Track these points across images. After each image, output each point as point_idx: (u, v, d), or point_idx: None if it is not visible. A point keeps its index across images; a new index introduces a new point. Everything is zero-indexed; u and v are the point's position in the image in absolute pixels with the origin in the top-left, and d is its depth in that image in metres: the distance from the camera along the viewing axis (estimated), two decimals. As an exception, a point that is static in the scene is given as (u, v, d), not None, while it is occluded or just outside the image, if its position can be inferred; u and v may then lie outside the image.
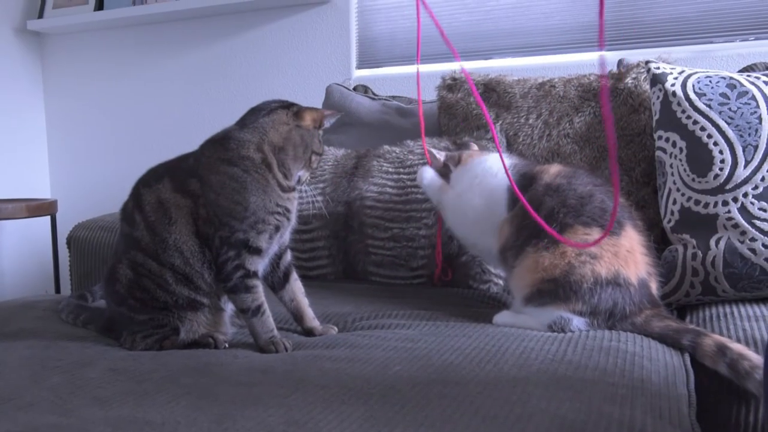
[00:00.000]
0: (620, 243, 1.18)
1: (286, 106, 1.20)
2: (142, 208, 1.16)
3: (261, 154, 1.15)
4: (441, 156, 1.49)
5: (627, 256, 1.18)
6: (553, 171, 1.30)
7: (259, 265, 1.17)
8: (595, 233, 1.18)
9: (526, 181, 1.30)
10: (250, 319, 1.14)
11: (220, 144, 1.17)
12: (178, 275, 1.13)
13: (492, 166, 1.37)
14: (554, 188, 1.25)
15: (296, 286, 1.26)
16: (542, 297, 1.19)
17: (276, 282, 1.24)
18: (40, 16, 2.89)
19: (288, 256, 1.25)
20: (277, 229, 1.17)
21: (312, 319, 1.24)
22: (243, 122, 1.19)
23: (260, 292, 1.15)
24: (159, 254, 1.13)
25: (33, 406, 0.84)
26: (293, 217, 1.21)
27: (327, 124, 1.22)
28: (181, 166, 1.18)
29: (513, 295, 1.27)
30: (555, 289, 1.17)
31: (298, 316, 1.24)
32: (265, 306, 1.15)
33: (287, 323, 1.28)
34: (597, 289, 1.16)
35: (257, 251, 1.15)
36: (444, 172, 1.47)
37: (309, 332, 1.23)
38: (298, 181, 1.21)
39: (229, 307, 1.21)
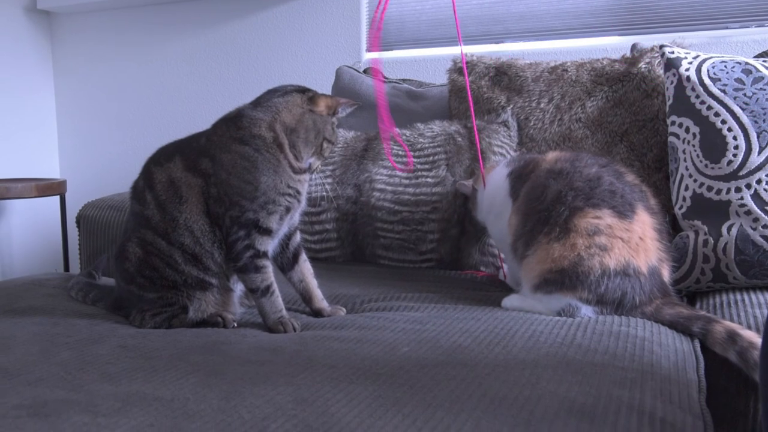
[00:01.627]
0: (632, 228, 1.16)
1: (302, 90, 1.19)
2: (153, 187, 1.15)
3: (273, 133, 1.14)
4: (468, 183, 1.53)
5: (638, 245, 1.16)
6: (551, 157, 1.31)
7: (269, 245, 1.16)
8: (605, 215, 1.17)
9: (526, 171, 1.32)
10: (260, 299, 1.14)
11: (232, 122, 1.16)
12: (187, 255, 1.13)
13: (496, 171, 1.43)
14: (557, 172, 1.24)
15: (305, 267, 1.25)
16: (549, 285, 1.18)
17: (285, 263, 1.24)
18: (51, -5, 2.89)
19: (297, 237, 1.25)
20: (288, 210, 1.17)
21: (321, 300, 1.24)
22: (257, 101, 1.19)
23: (269, 273, 1.15)
24: (169, 233, 1.13)
25: (42, 381, 0.84)
26: (303, 199, 1.21)
27: (342, 112, 1.21)
28: (192, 145, 1.18)
29: (522, 286, 1.26)
30: (562, 279, 1.16)
31: (306, 297, 1.24)
32: (275, 286, 1.15)
33: (296, 304, 1.28)
34: (604, 280, 1.14)
35: (267, 232, 1.14)
36: (474, 195, 1.50)
37: (317, 313, 1.23)
38: (309, 168, 1.20)
39: (238, 288, 1.21)
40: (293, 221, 1.22)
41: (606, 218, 1.16)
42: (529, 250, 1.22)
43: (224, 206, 1.13)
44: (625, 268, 1.15)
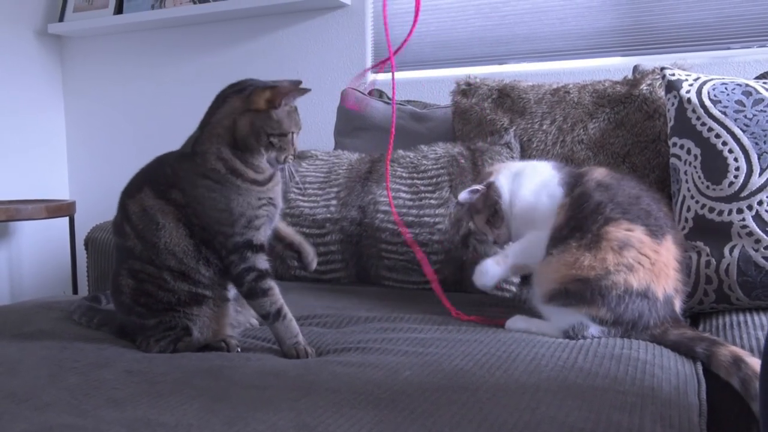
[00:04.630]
0: (660, 251, 1.17)
1: (242, 89, 1.16)
2: (129, 218, 1.17)
3: (221, 161, 1.13)
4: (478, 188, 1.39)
5: (661, 270, 1.17)
6: (602, 170, 1.31)
7: (266, 261, 1.16)
8: (638, 231, 1.17)
9: (574, 180, 1.30)
10: (272, 324, 1.13)
11: (190, 158, 1.16)
12: (175, 273, 1.15)
13: (538, 170, 1.38)
14: (605, 185, 1.25)
15: (281, 225, 1.28)
16: (568, 297, 1.18)
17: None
18: (61, 19, 2.94)
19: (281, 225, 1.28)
20: (268, 218, 1.18)
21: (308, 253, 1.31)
22: (203, 122, 1.18)
23: (277, 294, 1.15)
24: (153, 259, 1.15)
25: (49, 407, 0.85)
26: (279, 201, 1.20)
27: (286, 102, 1.14)
28: (158, 178, 1.18)
29: (535, 290, 1.26)
30: (583, 291, 1.16)
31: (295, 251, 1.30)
32: (285, 309, 1.14)
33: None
34: (625, 299, 1.15)
35: (261, 248, 1.15)
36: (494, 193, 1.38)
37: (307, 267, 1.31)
38: (277, 161, 1.17)
39: (231, 295, 1.21)
40: (273, 223, 1.22)
41: (638, 233, 1.18)
42: (555, 249, 1.22)
43: (210, 234, 1.14)
44: (646, 291, 1.16)
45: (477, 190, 1.37)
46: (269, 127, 1.13)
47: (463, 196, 1.38)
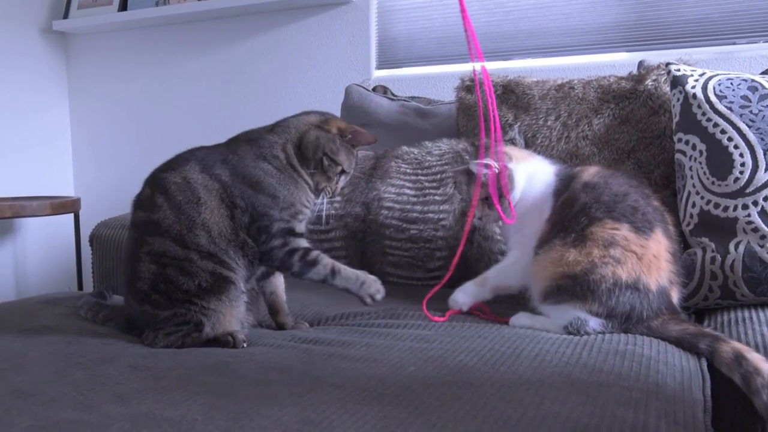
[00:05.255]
0: (648, 245, 1.18)
1: (321, 113, 1.30)
2: (166, 190, 1.18)
3: (285, 153, 1.23)
4: (493, 162, 1.34)
5: (651, 262, 1.17)
6: (592, 170, 1.31)
7: (305, 242, 1.23)
8: (623, 229, 1.18)
9: (567, 181, 1.30)
10: (333, 282, 1.21)
11: (254, 142, 1.24)
12: (203, 253, 1.16)
13: (541, 163, 1.39)
14: (591, 186, 1.25)
15: (279, 280, 1.32)
16: (560, 294, 1.19)
17: (261, 272, 1.29)
18: (66, 16, 2.94)
19: None
20: (308, 219, 1.26)
21: (287, 315, 1.31)
22: (276, 122, 1.29)
23: (325, 258, 1.22)
24: (183, 235, 1.15)
25: (55, 402, 0.86)
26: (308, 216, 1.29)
27: (353, 137, 1.27)
28: (206, 156, 1.23)
29: (532, 290, 1.27)
30: (573, 286, 1.17)
31: (273, 310, 1.31)
32: (337, 265, 1.22)
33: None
34: (615, 291, 1.16)
35: (300, 234, 1.23)
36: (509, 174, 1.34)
37: (281, 326, 1.31)
38: (316, 187, 1.26)
39: (247, 287, 1.23)
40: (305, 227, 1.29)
41: (623, 231, 1.18)
42: (541, 249, 1.24)
43: (252, 217, 1.18)
44: (636, 283, 1.16)
45: (491, 167, 1.32)
46: (328, 148, 1.24)
47: (477, 168, 1.33)
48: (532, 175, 1.34)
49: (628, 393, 0.88)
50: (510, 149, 1.42)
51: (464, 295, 1.35)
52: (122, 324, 1.25)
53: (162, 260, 1.15)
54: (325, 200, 1.28)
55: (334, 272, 1.21)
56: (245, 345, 1.15)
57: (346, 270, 1.22)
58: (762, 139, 1.34)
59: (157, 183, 1.20)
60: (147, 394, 0.88)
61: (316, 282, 1.22)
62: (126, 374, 0.96)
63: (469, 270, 1.60)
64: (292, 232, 1.21)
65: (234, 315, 1.19)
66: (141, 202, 1.21)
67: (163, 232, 1.16)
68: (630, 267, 1.16)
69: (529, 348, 1.07)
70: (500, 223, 1.37)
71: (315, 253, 1.22)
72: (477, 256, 1.59)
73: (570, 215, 1.23)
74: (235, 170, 1.20)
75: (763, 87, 1.41)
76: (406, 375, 0.94)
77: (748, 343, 1.10)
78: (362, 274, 1.22)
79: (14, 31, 2.88)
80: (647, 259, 1.17)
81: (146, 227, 1.18)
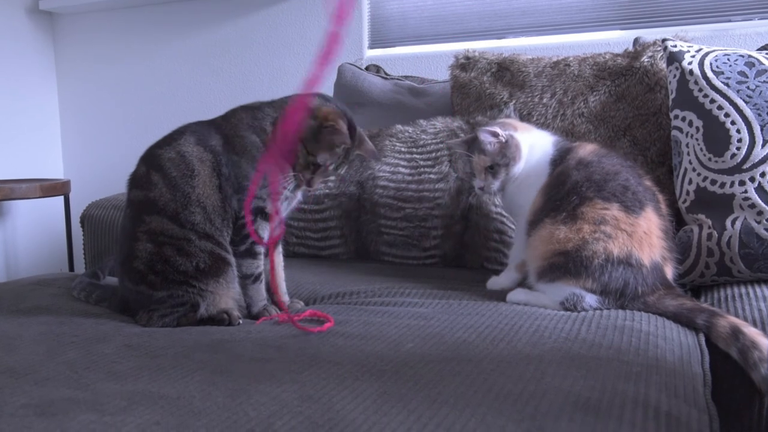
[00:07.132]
0: (638, 223, 1.18)
1: (324, 98, 1.22)
2: (161, 167, 1.16)
3: (272, 127, 1.20)
4: (498, 129, 1.33)
5: (642, 238, 1.17)
6: (589, 148, 1.31)
7: (268, 231, 1.21)
8: (613, 208, 1.18)
9: (564, 153, 1.31)
10: (251, 286, 1.20)
11: (249, 111, 1.22)
12: (200, 233, 1.15)
13: (542, 133, 1.40)
14: (585, 164, 1.25)
15: (278, 258, 1.29)
16: (553, 272, 1.19)
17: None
18: (52, -5, 2.89)
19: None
20: (287, 199, 1.22)
21: (283, 293, 1.29)
22: (280, 98, 1.26)
23: (262, 259, 1.21)
24: (179, 212, 1.14)
25: (49, 380, 0.84)
26: (296, 200, 1.26)
27: (334, 128, 1.15)
28: (202, 128, 1.21)
29: (529, 269, 1.27)
30: (566, 263, 1.17)
31: (272, 287, 1.28)
32: (263, 275, 1.22)
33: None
34: (608, 267, 1.16)
35: (269, 218, 1.20)
36: (512, 143, 1.33)
37: (277, 305, 1.27)
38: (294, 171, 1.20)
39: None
40: (286, 212, 1.26)
41: (613, 210, 1.18)
42: (533, 230, 1.25)
43: (234, 188, 1.17)
44: (628, 258, 1.16)
45: (498, 135, 1.31)
46: (307, 135, 1.16)
47: (485, 136, 1.31)
48: (533, 144, 1.35)
49: (628, 367, 0.88)
50: (512, 121, 1.43)
51: (502, 280, 1.37)
52: (116, 304, 1.24)
53: (159, 239, 1.14)
54: (299, 196, 1.25)
55: (258, 278, 1.21)
56: (240, 322, 1.15)
57: (263, 284, 1.22)
58: (759, 115, 1.33)
59: (151, 160, 1.18)
60: (142, 372, 0.87)
61: (240, 274, 1.20)
62: (121, 353, 0.95)
63: (464, 249, 1.59)
64: (262, 212, 1.19)
65: (230, 295, 1.18)
66: (136, 181, 1.19)
67: (160, 210, 1.14)
68: (621, 242, 1.16)
69: (528, 324, 1.07)
70: (502, 192, 1.38)
71: (260, 249, 1.21)
72: (470, 235, 1.58)
73: (562, 193, 1.23)
74: (227, 138, 1.19)
75: (760, 63, 1.40)
76: (405, 351, 0.93)
77: (745, 319, 1.10)
78: (268, 301, 1.22)
79: None
80: (638, 235, 1.17)
81: (143, 206, 1.16)
